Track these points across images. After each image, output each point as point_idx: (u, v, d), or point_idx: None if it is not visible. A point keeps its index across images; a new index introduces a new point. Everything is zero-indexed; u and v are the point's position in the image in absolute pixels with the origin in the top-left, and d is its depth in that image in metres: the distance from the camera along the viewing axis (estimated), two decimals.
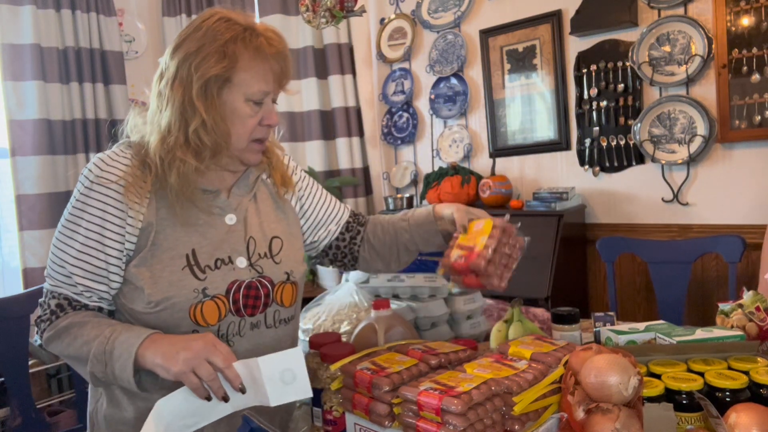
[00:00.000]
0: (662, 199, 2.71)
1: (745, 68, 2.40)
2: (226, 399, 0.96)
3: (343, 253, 1.38)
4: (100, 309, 1.10)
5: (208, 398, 0.95)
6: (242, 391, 0.96)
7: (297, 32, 3.50)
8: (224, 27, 1.06)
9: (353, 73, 3.62)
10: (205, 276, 1.09)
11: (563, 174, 3.01)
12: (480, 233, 1.14)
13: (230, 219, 1.16)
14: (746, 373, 0.99)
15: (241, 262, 1.14)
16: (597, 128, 2.84)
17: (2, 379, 2.07)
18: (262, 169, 1.25)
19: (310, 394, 0.97)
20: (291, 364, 0.96)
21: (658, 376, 1.02)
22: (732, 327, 1.27)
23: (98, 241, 1.06)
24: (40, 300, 1.11)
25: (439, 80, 3.42)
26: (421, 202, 3.47)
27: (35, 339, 2.35)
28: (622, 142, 2.78)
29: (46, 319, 1.08)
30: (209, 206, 1.14)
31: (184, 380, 0.94)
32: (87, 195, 1.07)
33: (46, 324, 1.08)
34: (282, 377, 0.96)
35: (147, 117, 1.13)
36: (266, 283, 1.16)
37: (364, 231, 1.38)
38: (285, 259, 1.21)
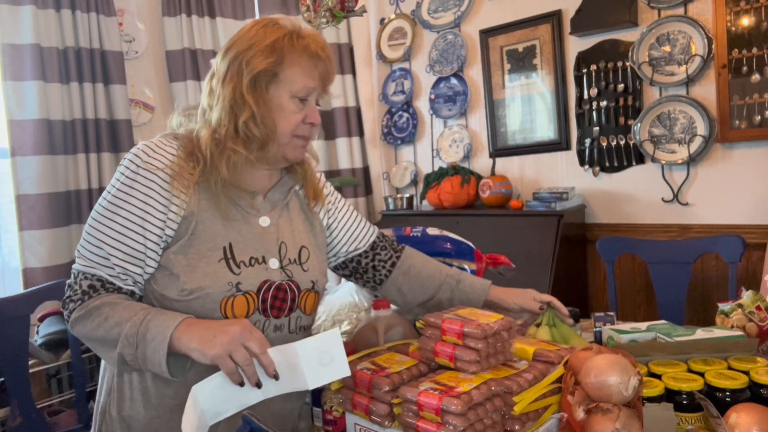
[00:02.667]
0: (662, 199, 2.71)
1: (745, 68, 2.40)
2: (259, 385, 0.97)
3: (364, 269, 1.39)
4: (132, 294, 1.11)
5: (242, 383, 0.96)
6: (276, 377, 0.97)
7: None
8: (272, 29, 1.15)
9: (353, 73, 3.62)
10: (240, 271, 1.12)
11: (563, 174, 3.01)
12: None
13: (264, 221, 1.18)
14: (746, 373, 1.00)
15: (274, 263, 1.16)
16: (597, 128, 2.84)
17: (2, 379, 2.07)
18: (297, 180, 1.27)
19: (348, 373, 0.98)
20: (329, 346, 0.96)
21: (658, 376, 1.02)
22: (732, 327, 1.27)
23: (140, 225, 1.07)
24: (69, 281, 1.11)
25: (439, 80, 3.42)
26: (421, 202, 3.47)
27: (35, 339, 2.35)
28: (622, 142, 2.78)
29: (76, 299, 1.08)
30: (247, 205, 1.17)
31: (220, 364, 0.95)
32: (133, 179, 1.09)
33: (76, 304, 1.07)
34: (320, 359, 0.96)
35: (193, 115, 1.19)
36: (294, 287, 1.18)
37: (404, 257, 1.41)
38: (311, 268, 1.23)
